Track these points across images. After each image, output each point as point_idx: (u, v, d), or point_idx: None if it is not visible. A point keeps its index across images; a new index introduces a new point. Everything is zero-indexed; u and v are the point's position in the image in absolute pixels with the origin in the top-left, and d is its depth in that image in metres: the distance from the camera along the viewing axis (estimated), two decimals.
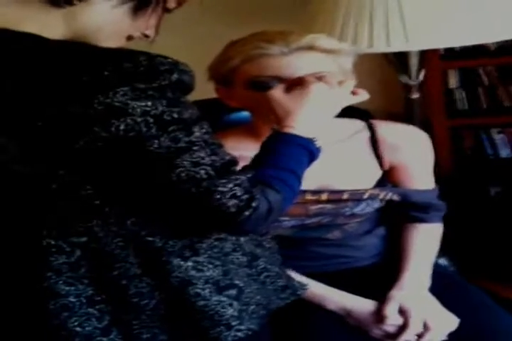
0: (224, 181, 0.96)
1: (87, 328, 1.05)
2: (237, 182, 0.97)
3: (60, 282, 1.04)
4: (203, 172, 0.95)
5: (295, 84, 1.23)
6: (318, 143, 1.14)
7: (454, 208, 2.44)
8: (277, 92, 1.21)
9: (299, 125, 1.13)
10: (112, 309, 1.06)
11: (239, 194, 0.96)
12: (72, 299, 1.04)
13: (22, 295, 1.06)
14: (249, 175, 1.00)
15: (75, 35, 1.02)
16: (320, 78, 1.23)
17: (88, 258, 1.04)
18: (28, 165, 0.98)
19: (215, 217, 0.97)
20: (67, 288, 1.04)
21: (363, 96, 1.28)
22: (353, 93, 1.27)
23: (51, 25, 1.00)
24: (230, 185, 0.96)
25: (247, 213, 0.97)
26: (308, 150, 1.11)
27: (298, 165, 1.09)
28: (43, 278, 1.04)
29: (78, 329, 1.05)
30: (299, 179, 1.09)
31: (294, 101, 1.18)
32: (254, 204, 0.97)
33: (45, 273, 1.03)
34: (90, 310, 1.05)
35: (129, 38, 1.08)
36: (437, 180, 1.66)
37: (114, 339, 1.06)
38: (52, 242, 1.03)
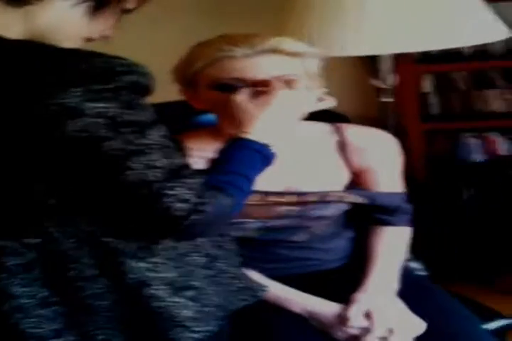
0: (174, 184, 0.96)
1: (40, 330, 1.04)
2: (188, 186, 0.97)
3: (14, 283, 1.04)
4: (153, 174, 0.95)
5: (260, 88, 1.23)
6: (272, 149, 1.14)
7: (428, 212, 2.46)
8: (241, 97, 1.22)
9: (257, 130, 1.15)
10: (67, 310, 1.05)
11: (187, 197, 0.96)
12: (25, 300, 1.04)
13: None
14: (201, 180, 1.00)
15: (33, 35, 1.02)
16: (287, 82, 1.24)
17: (42, 259, 1.04)
18: None
19: (161, 220, 0.97)
20: (21, 290, 1.04)
21: (329, 102, 1.29)
22: (321, 99, 1.28)
23: (10, 25, 1.00)
24: (180, 189, 0.96)
25: (193, 217, 0.97)
26: (262, 155, 1.12)
27: (251, 170, 1.10)
28: None
29: (32, 330, 1.04)
30: (251, 183, 1.10)
31: (256, 106, 1.19)
32: (201, 208, 0.97)
33: None
34: (44, 311, 1.05)
35: (89, 39, 1.08)
36: (410, 184, 1.67)
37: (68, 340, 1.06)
38: (7, 243, 1.03)
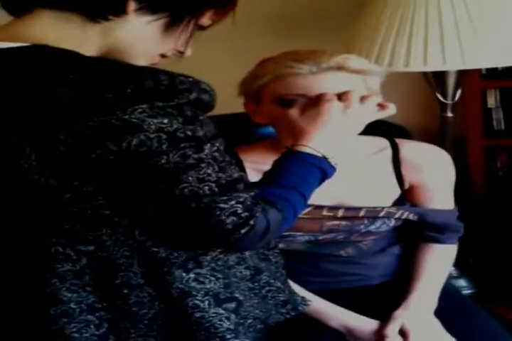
0: (226, 198, 0.98)
1: (84, 334, 1.07)
2: (240, 199, 0.99)
3: (64, 289, 1.06)
4: (206, 188, 0.98)
5: (311, 103, 1.24)
6: (332, 161, 1.14)
7: (482, 229, 2.44)
8: (294, 111, 1.23)
9: (313, 143, 1.15)
10: (112, 317, 1.08)
11: (239, 211, 0.99)
12: (73, 305, 1.07)
13: (24, 300, 1.09)
14: (252, 193, 1.02)
15: (108, 51, 1.05)
16: (340, 95, 1.22)
17: (93, 267, 1.07)
18: (45, 175, 1.01)
19: (212, 233, 1.00)
20: (70, 295, 1.07)
21: (390, 110, 1.25)
22: (382, 106, 1.24)
23: (88, 42, 1.04)
24: (232, 202, 0.98)
25: (243, 231, 0.99)
26: (319, 169, 1.12)
27: (305, 185, 1.10)
28: (46, 284, 1.06)
29: (76, 335, 1.07)
30: (304, 198, 1.10)
31: (307, 120, 1.19)
32: (252, 223, 0.99)
33: (50, 279, 1.06)
34: (90, 317, 1.07)
35: (163, 56, 1.11)
36: (467, 200, 1.66)
37: None
38: (60, 250, 1.06)
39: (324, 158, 1.13)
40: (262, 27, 2.36)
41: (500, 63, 1.96)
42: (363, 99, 1.22)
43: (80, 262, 1.06)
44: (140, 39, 1.06)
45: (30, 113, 0.98)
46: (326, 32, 2.24)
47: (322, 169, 1.13)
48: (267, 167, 1.15)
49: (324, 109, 1.19)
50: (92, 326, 1.08)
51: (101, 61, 1.02)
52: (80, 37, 1.04)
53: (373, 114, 1.24)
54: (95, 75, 0.97)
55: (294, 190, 1.08)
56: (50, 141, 0.98)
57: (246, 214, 0.99)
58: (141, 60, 1.07)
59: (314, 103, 1.22)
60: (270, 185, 1.08)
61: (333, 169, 1.15)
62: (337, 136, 1.18)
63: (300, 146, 1.14)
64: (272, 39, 2.31)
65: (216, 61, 2.28)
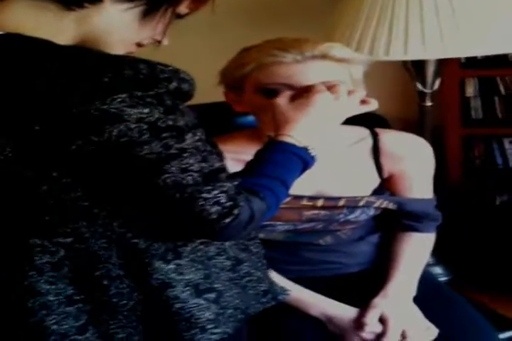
0: (209, 188, 0.98)
1: (63, 326, 1.06)
2: (223, 189, 0.99)
3: (42, 281, 1.05)
4: (189, 178, 0.97)
5: (301, 93, 1.24)
6: (313, 152, 1.15)
7: (459, 217, 2.46)
8: (281, 100, 1.22)
9: (296, 133, 1.15)
10: (90, 308, 1.08)
11: (223, 201, 0.98)
12: (51, 298, 1.06)
13: (2, 292, 1.07)
14: (235, 183, 1.02)
15: (84, 40, 1.04)
16: (329, 87, 1.23)
17: (71, 258, 1.06)
18: (22, 166, 1.00)
19: (196, 222, 0.99)
20: (48, 287, 1.06)
21: (372, 105, 1.28)
22: (364, 102, 1.27)
23: (63, 30, 1.02)
24: (215, 192, 0.98)
25: (227, 220, 0.98)
26: (301, 159, 1.12)
27: (288, 174, 1.10)
28: (24, 276, 1.05)
29: (54, 327, 1.06)
30: (286, 188, 1.10)
31: (295, 109, 1.19)
32: (236, 212, 0.99)
33: (28, 271, 1.05)
34: (68, 308, 1.07)
35: (139, 44, 1.10)
36: (444, 189, 1.67)
37: (89, 337, 1.08)
38: (38, 242, 1.04)
39: (306, 149, 1.14)
40: (242, 15, 2.35)
41: (480, 52, 1.96)
42: (349, 92, 1.24)
43: (58, 254, 1.05)
44: (116, 27, 1.05)
45: (5, 103, 0.96)
46: (306, 20, 2.24)
47: (304, 159, 1.13)
48: (247, 156, 1.15)
49: (314, 100, 1.20)
50: (71, 318, 1.07)
51: (77, 50, 1.01)
52: (55, 25, 1.02)
53: (356, 108, 1.26)
54: (72, 65, 0.96)
55: (277, 179, 1.08)
56: (26, 132, 0.96)
57: (230, 203, 0.99)
58: (118, 49, 1.05)
59: (304, 93, 1.22)
60: (253, 175, 1.08)
61: (313, 160, 1.15)
62: (321, 127, 1.19)
63: (283, 136, 1.14)
64: (252, 27, 2.31)
65: (195, 50, 2.27)
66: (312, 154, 1.15)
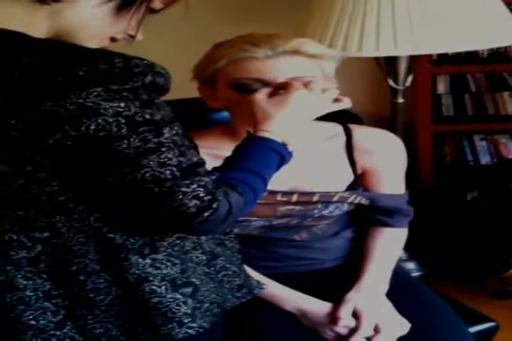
0: (188, 182, 0.98)
1: (41, 322, 1.07)
2: (201, 183, 0.99)
3: (19, 276, 1.05)
4: (168, 172, 0.97)
5: (279, 89, 1.26)
6: (290, 148, 1.16)
7: (430, 213, 2.49)
8: (260, 96, 1.23)
9: (274, 129, 1.16)
10: (68, 303, 1.08)
11: (201, 195, 0.98)
12: (29, 293, 1.06)
13: None
14: (213, 177, 1.02)
15: (57, 33, 1.03)
16: (305, 84, 1.25)
17: (48, 254, 1.05)
18: None
19: (174, 216, 0.99)
20: (25, 282, 1.05)
21: (345, 103, 1.30)
22: (337, 100, 1.29)
23: (36, 23, 1.02)
24: (194, 186, 0.98)
25: (206, 214, 0.99)
26: (279, 155, 1.14)
27: (266, 169, 1.12)
28: (1, 272, 1.05)
29: (33, 322, 1.06)
30: (264, 183, 1.11)
31: (274, 105, 1.21)
32: (214, 206, 0.99)
33: (5, 266, 1.05)
34: (46, 304, 1.07)
35: (113, 39, 1.09)
36: (416, 185, 1.69)
37: (67, 333, 1.08)
38: (14, 237, 1.04)
39: (283, 145, 1.15)
40: (215, 10, 2.35)
41: (451, 49, 1.99)
42: (323, 91, 1.27)
43: (34, 249, 1.05)
44: (90, 21, 1.04)
45: None
46: (279, 15, 2.25)
47: (281, 155, 1.14)
48: (222, 152, 1.15)
49: (293, 96, 1.21)
50: (49, 313, 1.07)
51: (52, 43, 1.00)
52: (28, 19, 1.01)
53: (330, 106, 1.29)
54: (46, 58, 0.95)
55: (255, 174, 1.09)
56: (1, 126, 0.96)
57: (208, 197, 0.99)
58: (91, 43, 1.05)
59: (281, 90, 1.24)
60: (231, 170, 1.08)
61: (290, 155, 1.17)
62: (297, 123, 1.21)
63: (263, 132, 1.16)
64: (225, 23, 2.31)
65: (169, 45, 2.26)
66: (290, 150, 1.16)
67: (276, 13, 2.29)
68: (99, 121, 0.94)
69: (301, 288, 1.51)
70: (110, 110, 0.94)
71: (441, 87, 2.66)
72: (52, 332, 1.07)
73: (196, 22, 2.18)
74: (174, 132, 1.00)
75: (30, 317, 1.06)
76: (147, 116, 0.97)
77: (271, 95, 1.24)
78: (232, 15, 2.34)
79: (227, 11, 2.37)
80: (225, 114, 1.51)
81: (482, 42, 1.93)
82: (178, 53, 1.82)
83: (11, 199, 1.03)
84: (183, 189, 0.98)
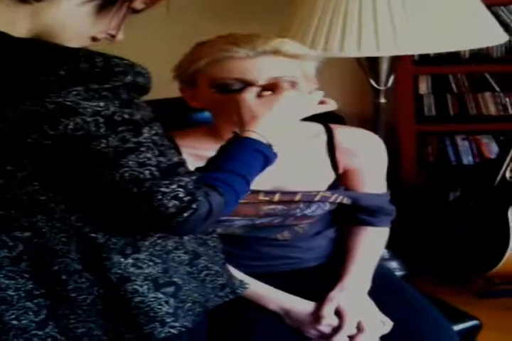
0: (167, 182, 0.98)
1: (23, 321, 1.06)
2: (181, 183, 0.99)
3: (1, 275, 1.05)
4: (147, 172, 0.97)
5: (267, 89, 1.26)
6: (275, 149, 1.16)
7: (412, 212, 2.50)
8: (248, 96, 1.23)
9: (261, 130, 1.16)
10: (50, 303, 1.07)
11: (181, 195, 0.98)
12: (11, 292, 1.05)
13: None
14: (193, 177, 1.02)
15: (39, 33, 1.03)
16: (293, 85, 1.25)
17: (30, 253, 1.05)
18: None
19: (154, 216, 0.99)
20: (7, 282, 1.05)
21: (330, 105, 1.31)
22: (322, 102, 1.30)
23: (16, 22, 1.02)
24: (173, 186, 0.98)
25: (185, 214, 0.99)
26: (264, 156, 1.14)
27: (250, 170, 1.11)
28: None
29: (14, 322, 1.06)
30: (247, 183, 1.11)
31: (262, 106, 1.20)
32: (194, 206, 0.99)
33: None
34: (28, 303, 1.06)
35: (94, 39, 1.09)
36: (398, 184, 1.69)
37: (49, 332, 1.07)
38: None
39: (269, 146, 1.15)
40: (198, 10, 2.35)
41: (433, 49, 2.00)
42: (309, 93, 1.27)
43: (16, 248, 1.05)
44: (71, 21, 1.04)
45: None
46: (261, 15, 2.25)
47: (266, 155, 1.14)
48: (204, 152, 1.16)
49: (281, 98, 1.21)
50: (31, 313, 1.07)
51: (33, 42, 1.00)
52: (9, 17, 1.01)
53: (315, 108, 1.29)
54: (27, 57, 0.95)
55: (238, 175, 1.09)
56: None
57: (188, 197, 0.99)
58: (72, 42, 1.05)
59: (271, 89, 1.24)
60: (213, 170, 1.08)
61: (275, 156, 1.17)
62: (283, 124, 1.21)
63: (249, 132, 1.16)
64: (208, 22, 2.31)
65: (149, 43, 2.26)
66: (274, 151, 1.16)
67: (260, 13, 2.29)
68: (78, 120, 0.94)
69: (285, 287, 1.51)
70: (89, 109, 0.94)
71: (423, 87, 2.68)
72: (34, 331, 1.07)
73: (179, 21, 2.18)
74: (154, 132, 1.00)
75: (12, 316, 1.06)
76: (126, 116, 0.97)
77: (258, 95, 1.24)
78: (215, 15, 2.34)
79: (210, 10, 2.37)
80: (207, 113, 1.51)
81: (464, 43, 1.95)
82: (161, 52, 1.82)
83: None
84: (163, 189, 0.98)
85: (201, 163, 1.12)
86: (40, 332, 1.07)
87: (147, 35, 1.99)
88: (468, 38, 1.94)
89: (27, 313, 1.06)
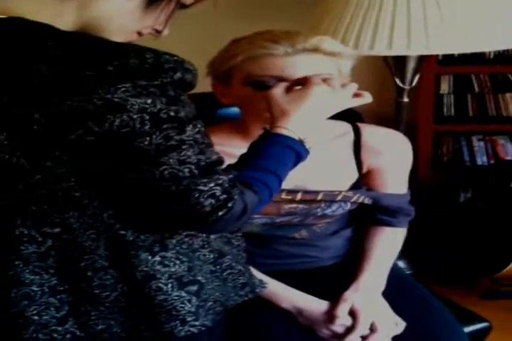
0: (205, 180, 0.97)
1: (44, 317, 1.06)
2: (219, 181, 0.98)
3: (27, 271, 1.05)
4: (186, 170, 0.96)
5: (297, 84, 1.23)
6: (308, 145, 1.15)
7: (423, 212, 2.50)
8: (277, 91, 1.21)
9: (292, 126, 1.14)
10: (73, 299, 1.07)
11: (218, 194, 0.98)
12: (34, 288, 1.05)
13: None
14: (230, 176, 1.01)
15: (84, 26, 1.02)
16: (324, 80, 1.23)
17: (58, 249, 1.05)
18: (16, 154, 0.98)
19: (189, 214, 0.99)
20: (32, 277, 1.05)
21: (366, 98, 1.28)
22: (357, 95, 1.27)
23: (63, 14, 1.00)
24: (211, 185, 0.98)
25: (221, 213, 0.98)
26: (296, 152, 1.12)
27: (282, 167, 1.10)
28: (10, 266, 1.04)
29: (35, 317, 1.06)
30: (280, 181, 1.10)
31: (292, 101, 1.18)
32: (230, 205, 0.99)
33: (14, 261, 1.04)
34: (51, 299, 1.06)
35: (139, 33, 1.08)
36: (415, 184, 1.69)
37: (68, 328, 1.07)
38: (25, 231, 1.03)
39: (301, 142, 1.14)
40: (227, 7, 2.32)
41: (462, 49, 1.97)
42: (343, 86, 1.24)
43: (45, 244, 1.04)
44: (119, 14, 1.03)
45: (5, 89, 0.94)
46: (292, 12, 2.23)
47: (298, 152, 1.13)
48: (231, 149, 1.15)
49: (311, 92, 1.19)
50: (53, 308, 1.06)
51: (82, 36, 0.99)
52: (57, 10, 1.00)
53: (350, 101, 1.26)
54: (76, 51, 0.94)
55: (271, 172, 1.08)
56: (23, 120, 0.94)
57: (224, 196, 0.98)
58: (118, 37, 1.03)
59: (301, 84, 1.22)
60: (248, 168, 1.07)
61: (307, 153, 1.15)
62: (315, 119, 1.19)
63: (280, 128, 1.14)
64: (237, 19, 2.28)
65: (180, 41, 2.23)
66: (307, 147, 1.15)
67: (290, 10, 2.27)
68: (124, 117, 0.93)
69: (299, 286, 1.51)
70: (136, 106, 0.93)
71: (445, 87, 2.66)
72: (53, 327, 1.07)
73: (208, 18, 2.16)
74: (197, 130, 0.99)
75: (34, 312, 1.06)
76: (172, 113, 0.96)
77: (288, 90, 1.22)
78: (245, 12, 2.32)
79: (239, 7, 2.34)
80: (233, 109, 1.50)
81: (493, 43, 1.93)
82: (189, 50, 1.80)
83: (25, 194, 1.02)
84: (200, 187, 0.97)
85: (228, 160, 1.11)
86: (59, 328, 1.07)
87: (176, 31, 1.97)
88: (497, 39, 1.92)
89: (49, 309, 1.06)
